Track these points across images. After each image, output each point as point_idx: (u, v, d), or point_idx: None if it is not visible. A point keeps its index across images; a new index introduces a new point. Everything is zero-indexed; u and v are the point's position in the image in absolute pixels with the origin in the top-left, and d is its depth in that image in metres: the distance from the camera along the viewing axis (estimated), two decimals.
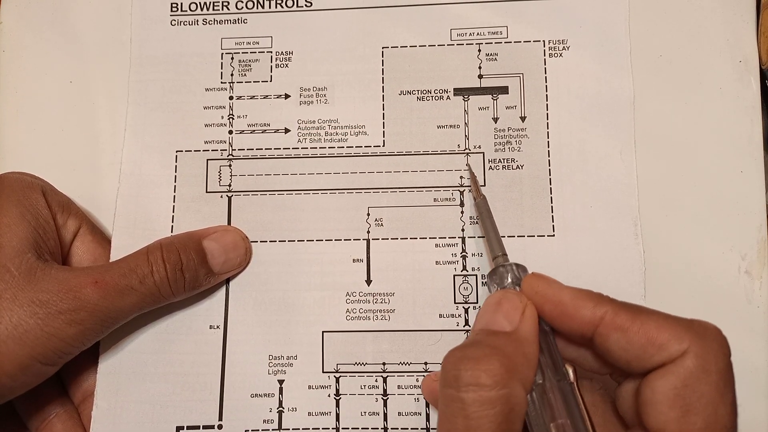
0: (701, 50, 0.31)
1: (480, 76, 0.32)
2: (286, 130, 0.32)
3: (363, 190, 0.31)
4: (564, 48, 0.31)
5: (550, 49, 0.31)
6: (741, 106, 0.30)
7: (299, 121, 0.32)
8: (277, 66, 0.33)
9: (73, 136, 0.33)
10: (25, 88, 0.33)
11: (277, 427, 0.29)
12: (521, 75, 0.31)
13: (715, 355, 0.20)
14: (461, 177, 0.31)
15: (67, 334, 0.26)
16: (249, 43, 0.33)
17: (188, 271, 0.28)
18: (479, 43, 0.32)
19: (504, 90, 0.31)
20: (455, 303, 0.30)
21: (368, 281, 0.30)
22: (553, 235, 0.30)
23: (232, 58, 0.33)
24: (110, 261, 0.30)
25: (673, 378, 0.20)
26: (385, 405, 0.29)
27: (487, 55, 0.32)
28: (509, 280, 0.25)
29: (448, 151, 0.31)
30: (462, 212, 0.31)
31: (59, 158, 0.32)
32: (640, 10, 0.31)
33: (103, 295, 0.26)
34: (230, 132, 0.32)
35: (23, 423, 0.29)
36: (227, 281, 0.31)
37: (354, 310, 0.30)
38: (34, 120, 0.33)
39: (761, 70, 0.30)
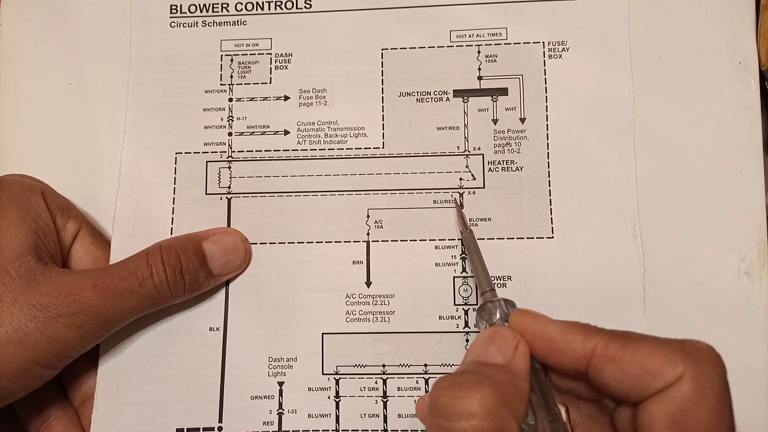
0: (701, 51, 0.31)
1: (479, 78, 0.32)
2: (286, 132, 0.32)
3: (362, 192, 0.31)
4: (563, 49, 0.31)
5: (549, 50, 0.31)
6: (740, 107, 0.30)
7: (299, 123, 0.32)
8: (276, 68, 0.33)
9: (72, 137, 0.33)
10: (25, 90, 0.33)
11: (277, 429, 0.29)
12: (521, 76, 0.31)
13: (711, 376, 0.20)
14: (461, 179, 0.31)
15: (67, 338, 0.26)
16: (248, 44, 0.33)
17: (188, 274, 0.28)
18: (479, 45, 0.32)
19: (503, 91, 0.31)
20: (455, 305, 0.30)
21: (368, 283, 0.30)
22: (552, 237, 0.30)
23: (232, 60, 0.33)
24: (110, 263, 0.30)
25: (669, 403, 0.20)
26: (384, 407, 0.29)
27: (487, 56, 0.32)
28: (498, 316, 0.25)
29: (447, 153, 0.31)
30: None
31: (59, 160, 0.32)
32: (639, 11, 0.31)
33: (103, 298, 0.26)
34: (230, 134, 0.32)
35: (23, 425, 0.29)
36: (227, 283, 0.31)
37: (354, 312, 0.30)
38: (33, 122, 0.33)
39: (761, 71, 0.30)
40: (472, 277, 0.30)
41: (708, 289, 0.29)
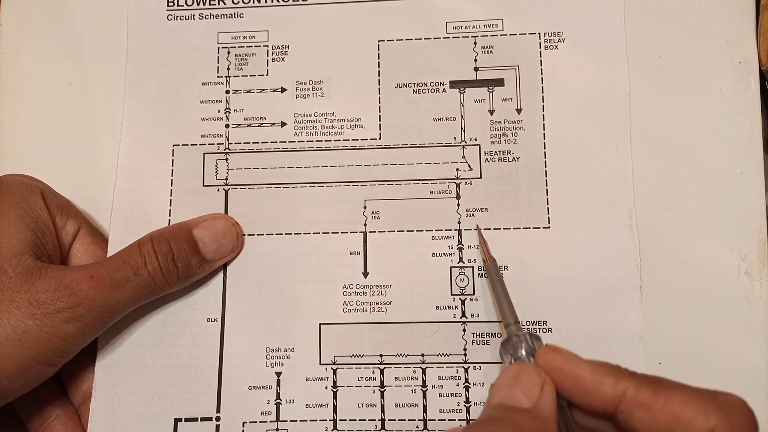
0: (701, 51, 0.31)
1: (476, 69, 0.32)
2: (283, 124, 0.32)
3: (359, 183, 0.31)
4: (559, 40, 0.31)
5: (545, 41, 0.31)
6: (740, 107, 0.30)
7: (296, 115, 0.32)
8: (273, 60, 0.33)
9: (72, 137, 0.33)
10: (25, 90, 0.33)
11: (274, 419, 0.29)
12: (517, 67, 0.31)
13: (743, 431, 0.20)
14: (457, 169, 0.31)
15: (66, 332, 0.26)
16: (245, 37, 0.33)
17: (180, 260, 0.28)
18: (475, 36, 0.32)
19: (500, 82, 0.31)
20: (452, 295, 0.30)
21: (365, 273, 0.30)
22: (549, 227, 0.30)
23: (229, 53, 0.33)
24: (108, 255, 0.30)
25: None
26: (382, 396, 0.29)
27: (483, 47, 0.32)
28: (523, 350, 0.25)
29: (444, 144, 0.31)
30: (458, 204, 0.31)
31: (59, 160, 0.32)
32: (640, 10, 0.31)
33: (100, 289, 0.26)
34: (227, 126, 0.32)
35: (23, 425, 0.29)
36: (224, 274, 0.31)
37: (351, 303, 0.30)
38: (33, 122, 0.33)
39: (761, 71, 0.30)
40: (470, 267, 0.30)
41: (708, 288, 0.29)
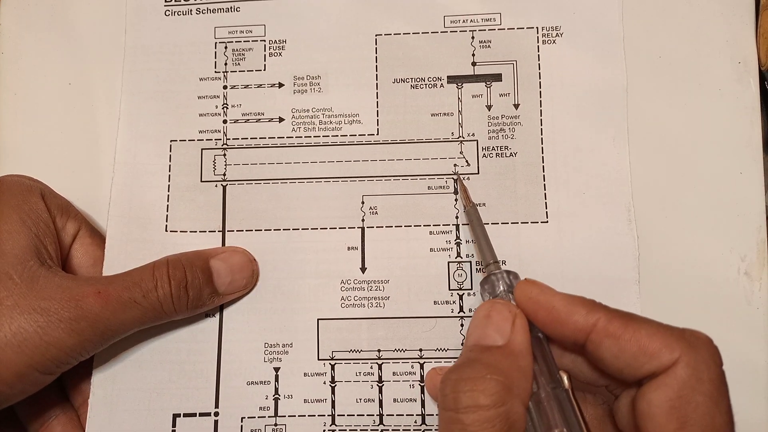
0: (700, 51, 0.31)
1: (473, 64, 0.32)
2: (280, 119, 0.32)
3: (357, 179, 0.31)
4: (557, 35, 0.31)
5: (543, 35, 0.31)
6: (740, 107, 0.30)
7: (293, 110, 0.32)
8: (270, 55, 0.33)
9: (72, 138, 0.33)
10: (25, 90, 0.33)
11: (273, 415, 0.29)
12: (515, 62, 0.31)
13: (707, 364, 0.21)
14: (455, 165, 0.31)
15: (66, 344, 0.25)
16: (242, 31, 0.33)
17: (192, 289, 0.28)
18: (473, 30, 0.32)
19: (497, 77, 0.31)
20: (450, 290, 0.30)
21: (363, 269, 0.30)
22: (547, 222, 0.30)
23: (226, 48, 0.33)
24: (106, 250, 0.30)
25: (667, 390, 0.20)
26: (380, 392, 0.29)
27: (481, 42, 0.32)
28: (501, 287, 0.25)
29: (442, 139, 0.31)
30: (456, 200, 0.31)
31: (58, 160, 0.32)
32: (639, 10, 0.31)
33: (105, 305, 0.26)
34: (224, 121, 0.32)
35: (23, 426, 0.29)
36: None
37: (349, 298, 0.30)
38: (33, 122, 0.33)
39: (760, 71, 0.30)
40: (468, 262, 0.30)
41: (708, 288, 0.29)
